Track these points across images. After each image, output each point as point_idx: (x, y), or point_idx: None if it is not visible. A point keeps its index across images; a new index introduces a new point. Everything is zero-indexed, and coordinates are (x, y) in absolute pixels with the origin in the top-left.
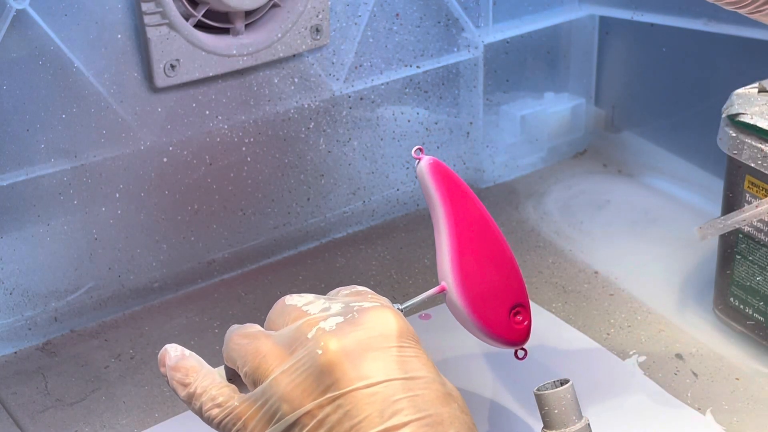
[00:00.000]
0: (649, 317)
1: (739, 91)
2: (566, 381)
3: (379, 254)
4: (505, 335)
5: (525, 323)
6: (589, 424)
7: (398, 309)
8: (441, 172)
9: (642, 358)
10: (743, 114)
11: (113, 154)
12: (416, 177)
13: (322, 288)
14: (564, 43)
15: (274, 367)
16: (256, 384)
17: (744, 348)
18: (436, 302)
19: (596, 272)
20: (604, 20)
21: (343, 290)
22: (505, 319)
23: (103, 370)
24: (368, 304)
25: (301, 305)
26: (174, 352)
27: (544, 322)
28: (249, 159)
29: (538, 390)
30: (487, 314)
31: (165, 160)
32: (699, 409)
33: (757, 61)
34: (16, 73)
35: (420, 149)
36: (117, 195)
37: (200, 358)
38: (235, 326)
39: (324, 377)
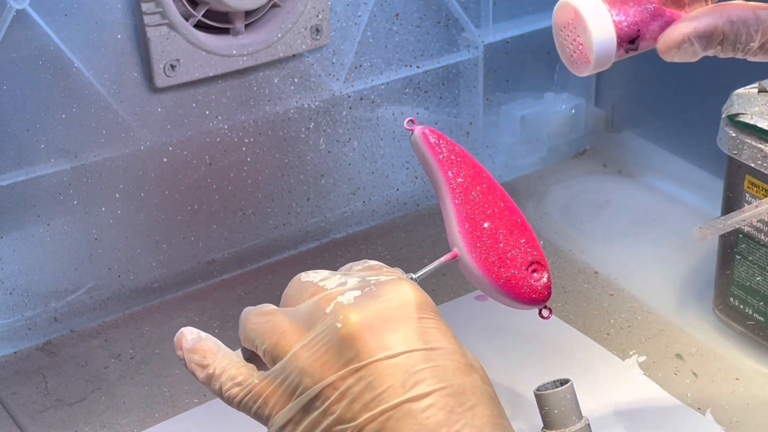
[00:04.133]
0: (649, 317)
1: (739, 91)
2: (566, 381)
3: (379, 254)
4: (525, 294)
5: (544, 279)
6: (589, 424)
7: (411, 278)
8: (436, 139)
9: (642, 358)
10: (743, 114)
11: (113, 154)
12: (413, 151)
13: None
14: None
15: (293, 342)
16: (275, 361)
17: (744, 348)
18: (436, 301)
19: (596, 272)
20: None
21: (356, 265)
22: (523, 278)
23: (103, 370)
24: (385, 277)
25: (318, 281)
26: (190, 335)
27: (543, 323)
28: (249, 159)
29: (538, 390)
30: (504, 274)
31: (165, 160)
32: (699, 409)
33: (757, 61)
34: (16, 73)
35: (412, 120)
36: (117, 195)
37: (217, 340)
38: (250, 308)
39: (345, 349)
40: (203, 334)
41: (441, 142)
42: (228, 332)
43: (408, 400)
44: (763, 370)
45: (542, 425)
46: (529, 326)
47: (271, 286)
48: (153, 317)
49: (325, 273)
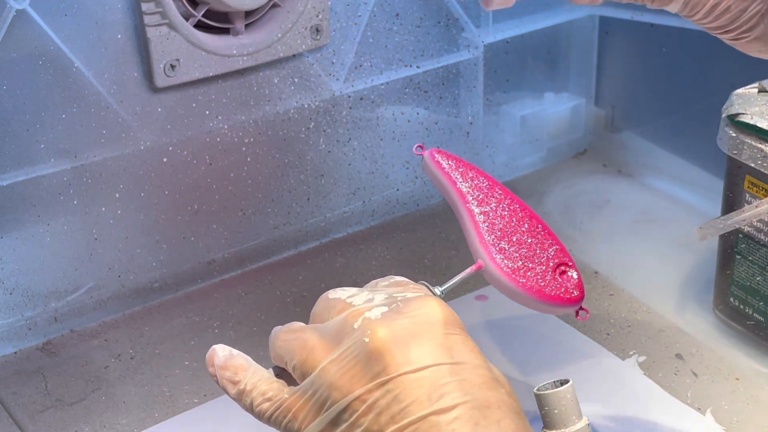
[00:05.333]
0: (649, 317)
1: (739, 91)
2: (566, 381)
3: (379, 254)
4: (558, 297)
5: (575, 279)
6: (589, 424)
7: (440, 292)
8: (445, 159)
9: (642, 358)
10: (743, 114)
11: (113, 154)
12: (423, 171)
13: (322, 288)
14: (564, 43)
15: (322, 357)
16: (304, 376)
17: (744, 348)
18: None
19: (596, 272)
20: (604, 20)
21: (382, 281)
22: (552, 281)
23: (103, 370)
24: (411, 294)
25: (345, 298)
26: (222, 352)
27: (544, 322)
28: (249, 159)
29: (538, 390)
30: (532, 280)
31: (165, 160)
32: (699, 409)
33: (757, 61)
34: (16, 73)
35: (421, 146)
36: (117, 195)
37: (248, 357)
38: (279, 326)
39: (372, 364)
40: (235, 351)
41: (451, 161)
42: (228, 332)
43: (434, 413)
44: (763, 370)
45: (542, 425)
46: (529, 326)
47: (271, 286)
48: (153, 317)
49: (352, 290)
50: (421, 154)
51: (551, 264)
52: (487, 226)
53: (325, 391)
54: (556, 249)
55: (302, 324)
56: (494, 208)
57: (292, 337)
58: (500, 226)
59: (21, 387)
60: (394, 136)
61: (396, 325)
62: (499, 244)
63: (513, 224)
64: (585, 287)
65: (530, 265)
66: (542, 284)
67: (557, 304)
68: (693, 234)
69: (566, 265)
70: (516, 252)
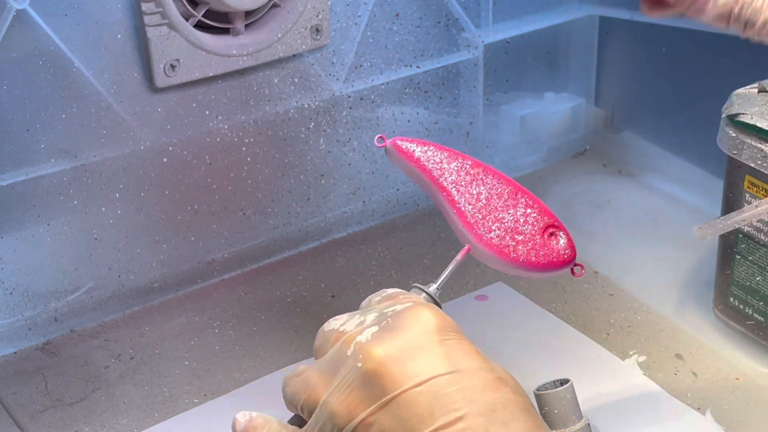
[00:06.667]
0: (649, 317)
1: (739, 91)
2: (566, 381)
3: (379, 254)
4: (551, 261)
5: (563, 240)
6: (589, 424)
7: (435, 288)
8: (408, 144)
9: (642, 358)
10: (743, 114)
11: (113, 154)
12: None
13: (322, 288)
14: (564, 43)
15: (323, 391)
16: (311, 414)
17: (744, 348)
18: None
19: (596, 272)
20: (604, 20)
21: (374, 297)
22: (542, 246)
23: (103, 370)
24: (401, 306)
25: (338, 327)
26: (242, 418)
27: (544, 322)
28: (249, 159)
29: (538, 390)
30: (523, 251)
31: (165, 160)
32: (699, 409)
33: (757, 61)
34: (16, 73)
35: (382, 137)
36: (117, 195)
37: (267, 416)
38: (288, 373)
39: (370, 386)
40: (254, 413)
41: (415, 146)
42: (228, 332)
43: (440, 428)
44: (763, 370)
45: None
46: (529, 326)
47: (271, 286)
48: (153, 317)
49: (344, 317)
50: (384, 146)
51: (539, 229)
52: (467, 207)
53: (327, 422)
54: (539, 212)
55: (306, 365)
56: (469, 185)
57: (297, 380)
58: (480, 203)
59: (21, 387)
60: (394, 136)
61: (388, 342)
62: (483, 222)
63: (492, 198)
64: (585, 287)
65: (518, 237)
66: (534, 253)
67: (552, 269)
68: (693, 234)
69: (553, 226)
70: (501, 226)
